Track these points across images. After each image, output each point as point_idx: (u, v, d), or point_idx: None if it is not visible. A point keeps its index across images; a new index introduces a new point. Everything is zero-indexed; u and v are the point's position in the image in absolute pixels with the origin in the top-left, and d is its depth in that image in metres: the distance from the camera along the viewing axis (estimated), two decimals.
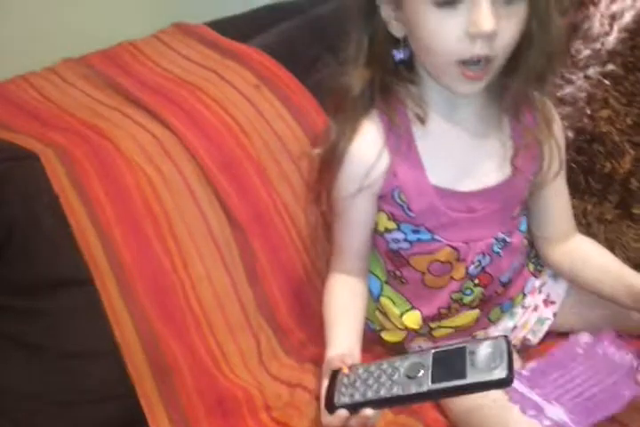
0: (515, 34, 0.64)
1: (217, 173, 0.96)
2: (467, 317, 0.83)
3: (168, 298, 0.87)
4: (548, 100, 0.75)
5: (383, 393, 0.61)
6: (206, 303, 0.89)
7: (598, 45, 0.96)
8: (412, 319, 0.81)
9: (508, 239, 0.76)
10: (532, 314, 0.88)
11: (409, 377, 0.61)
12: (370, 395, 0.62)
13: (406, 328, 0.82)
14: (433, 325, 0.83)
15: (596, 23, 0.97)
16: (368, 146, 0.70)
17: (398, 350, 0.88)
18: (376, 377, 0.63)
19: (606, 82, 0.93)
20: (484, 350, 0.60)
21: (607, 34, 0.95)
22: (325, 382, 0.66)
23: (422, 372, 0.60)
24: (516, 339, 0.87)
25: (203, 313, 0.89)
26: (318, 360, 0.90)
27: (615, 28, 0.95)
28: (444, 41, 0.63)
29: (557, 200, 0.80)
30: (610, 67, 0.94)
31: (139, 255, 0.88)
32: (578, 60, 0.96)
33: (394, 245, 0.77)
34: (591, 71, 0.94)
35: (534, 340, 0.88)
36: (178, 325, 0.86)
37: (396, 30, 0.68)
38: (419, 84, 0.70)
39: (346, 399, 0.63)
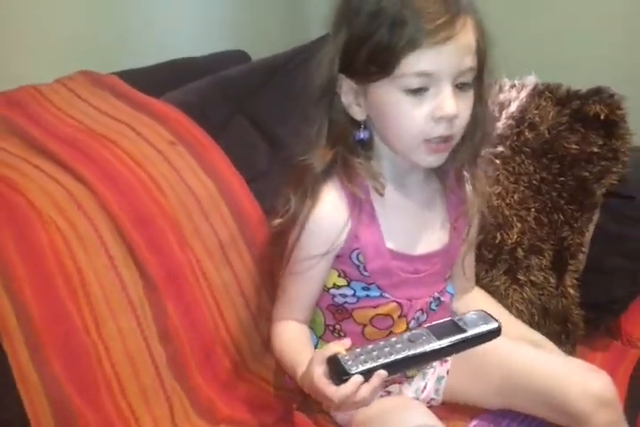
0: (468, 115, 0.73)
1: (131, 229, 0.94)
2: None
3: (79, 358, 0.83)
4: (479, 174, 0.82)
5: (394, 357, 0.64)
6: (119, 365, 0.86)
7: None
8: None
9: (441, 298, 0.84)
10: (433, 373, 0.93)
11: (413, 342, 0.65)
12: (381, 360, 0.64)
13: None
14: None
15: None
16: (334, 210, 0.76)
17: (316, 406, 0.89)
18: (380, 348, 0.65)
19: (497, 161, 1.03)
20: (469, 317, 0.68)
21: (497, 120, 1.05)
22: (319, 369, 0.66)
23: (424, 337, 0.65)
24: (424, 401, 0.92)
25: (115, 376, 0.86)
26: (231, 420, 0.89)
27: (503, 114, 1.06)
28: (412, 123, 0.71)
29: (468, 258, 0.89)
30: (499, 148, 1.04)
31: (49, 315, 0.83)
32: None
33: (339, 300, 0.82)
34: (484, 151, 1.03)
35: (438, 398, 0.93)
36: (90, 389, 0.82)
37: (358, 114, 0.75)
38: (374, 159, 0.77)
39: (358, 368, 0.64)
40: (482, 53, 0.72)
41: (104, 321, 0.87)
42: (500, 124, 1.05)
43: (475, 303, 0.89)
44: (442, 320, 0.70)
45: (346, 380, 0.64)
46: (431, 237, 0.82)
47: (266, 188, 1.04)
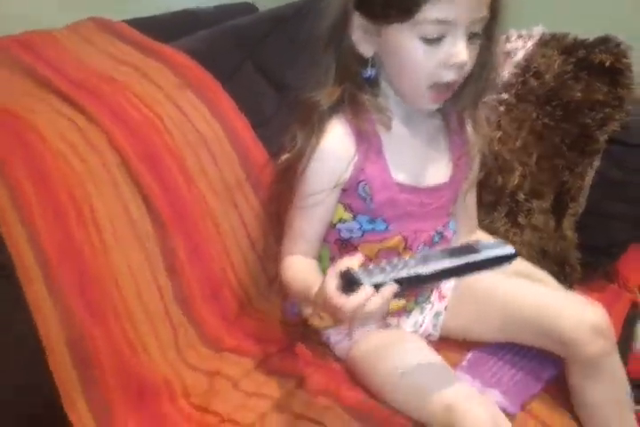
0: (473, 62, 0.75)
1: (140, 166, 0.96)
2: (392, 306, 0.88)
3: (89, 287, 0.85)
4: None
5: (406, 272, 0.64)
6: (126, 293, 0.88)
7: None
8: None
9: (444, 233, 0.85)
10: (431, 309, 0.94)
11: (426, 261, 0.64)
12: (393, 274, 0.64)
13: None
14: None
15: None
16: (340, 143, 0.77)
17: (317, 337, 0.92)
18: (393, 265, 0.65)
19: (501, 108, 1.03)
20: (485, 242, 0.68)
21: (501, 68, 1.05)
22: (333, 282, 0.66)
23: (438, 256, 0.65)
24: (422, 336, 0.94)
25: (123, 303, 0.88)
26: (236, 350, 0.91)
27: (509, 63, 1.06)
28: (424, 69, 0.72)
29: (470, 196, 0.91)
30: (504, 95, 1.04)
31: (61, 243, 0.85)
32: None
33: (345, 234, 0.83)
34: (488, 98, 1.04)
35: (435, 334, 0.95)
36: (99, 314, 0.84)
37: (366, 51, 0.75)
38: (381, 96, 0.78)
39: (370, 280, 0.64)
40: (497, 3, 0.73)
41: (113, 253, 0.89)
42: (506, 73, 1.05)
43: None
44: (459, 245, 0.72)
45: (357, 291, 0.64)
46: (436, 171, 0.83)
47: (272, 133, 1.05)
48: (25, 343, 0.80)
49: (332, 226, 0.83)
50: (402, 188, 0.80)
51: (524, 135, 1.01)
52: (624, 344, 0.89)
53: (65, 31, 1.14)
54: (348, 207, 0.81)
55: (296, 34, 1.20)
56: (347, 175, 0.78)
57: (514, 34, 1.11)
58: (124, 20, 1.18)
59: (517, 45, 1.08)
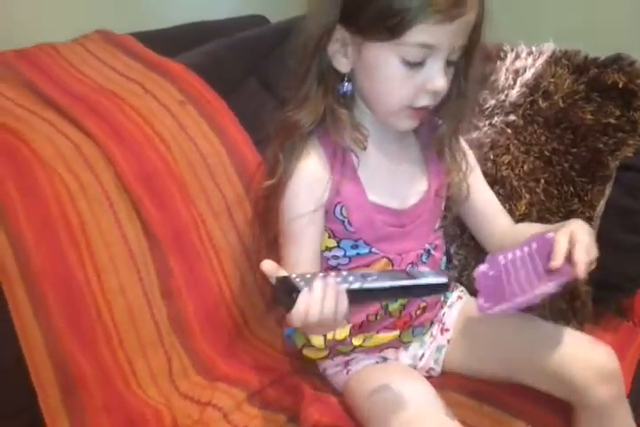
0: (447, 90, 0.74)
1: (137, 185, 0.93)
2: (385, 338, 0.86)
3: (79, 310, 0.82)
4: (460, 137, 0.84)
5: (344, 285, 0.63)
6: (118, 317, 0.85)
7: (503, 97, 1.02)
8: (341, 331, 0.80)
9: (432, 251, 0.82)
10: (432, 342, 0.90)
11: (364, 278, 0.64)
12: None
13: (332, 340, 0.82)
14: (356, 341, 0.84)
15: (502, 77, 1.03)
16: (315, 165, 0.76)
17: (313, 369, 0.88)
18: (332, 276, 0.63)
19: (508, 130, 0.99)
20: (422, 270, 0.72)
21: (511, 87, 1.01)
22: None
23: (375, 276, 0.64)
24: (422, 370, 0.90)
25: (114, 327, 0.85)
26: (229, 379, 0.87)
27: (518, 82, 1.01)
28: (401, 91, 0.72)
29: (485, 200, 0.87)
30: (512, 117, 1.00)
31: (51, 263, 0.82)
32: (484, 109, 1.02)
33: (333, 262, 0.81)
34: (496, 120, 0.99)
35: (437, 368, 0.91)
36: (88, 338, 0.82)
37: (343, 66, 0.73)
38: (356, 112, 0.76)
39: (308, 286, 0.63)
40: (477, 31, 0.72)
41: (105, 274, 0.85)
42: (514, 93, 1.00)
43: (524, 228, 0.85)
44: (398, 269, 0.72)
45: (296, 297, 0.62)
46: (411, 191, 0.81)
47: None
48: (10, 367, 0.77)
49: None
50: (378, 208, 0.79)
51: (531, 160, 0.96)
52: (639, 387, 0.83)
53: (70, 44, 1.12)
54: (331, 233, 0.80)
55: None
56: (324, 197, 0.76)
57: (524, 50, 1.06)
58: (134, 33, 1.16)
59: (527, 63, 1.03)
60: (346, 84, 0.74)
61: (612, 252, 0.87)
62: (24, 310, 0.78)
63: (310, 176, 0.75)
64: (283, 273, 0.63)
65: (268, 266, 0.63)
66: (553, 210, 0.94)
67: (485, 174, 0.94)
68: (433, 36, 0.68)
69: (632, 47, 1.01)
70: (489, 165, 0.97)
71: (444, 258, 0.89)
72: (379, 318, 0.83)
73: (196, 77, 1.09)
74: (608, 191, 0.96)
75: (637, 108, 0.96)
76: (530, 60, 1.03)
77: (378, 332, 0.85)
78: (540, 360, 0.77)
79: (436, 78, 0.70)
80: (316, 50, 0.72)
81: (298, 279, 0.63)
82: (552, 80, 1.00)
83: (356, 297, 0.63)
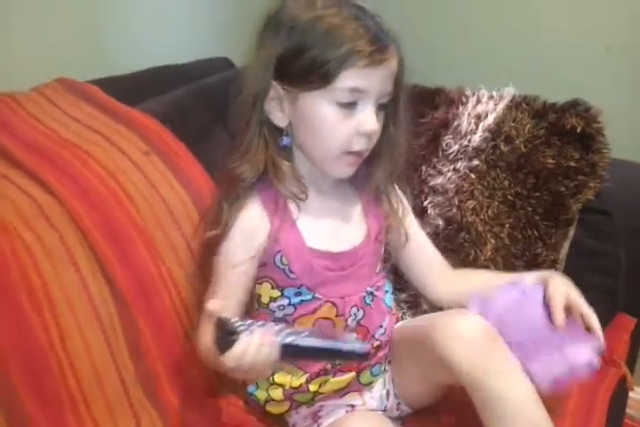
0: (379, 131, 0.78)
1: (102, 242, 0.90)
2: (342, 381, 0.85)
3: (43, 377, 0.80)
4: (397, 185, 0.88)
5: (278, 338, 0.67)
6: (84, 381, 0.82)
7: (466, 142, 1.02)
8: (297, 378, 0.84)
9: (375, 293, 0.84)
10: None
11: (292, 333, 0.68)
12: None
13: (289, 388, 0.84)
14: (312, 387, 0.84)
15: (464, 121, 1.04)
16: (255, 217, 0.79)
17: (279, 421, 0.87)
18: (266, 326, 0.68)
19: (472, 176, 0.99)
20: (347, 336, 0.75)
21: (473, 132, 1.01)
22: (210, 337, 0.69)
23: (305, 334, 0.69)
24: (393, 409, 0.89)
25: (80, 392, 0.82)
26: None
27: (480, 127, 1.02)
28: (337, 135, 0.75)
29: (421, 244, 0.90)
30: (475, 162, 1.00)
31: (12, 330, 0.79)
32: (448, 154, 1.02)
33: (279, 314, 0.82)
34: (459, 165, 1.00)
35: (405, 408, 0.90)
36: (52, 406, 0.79)
37: (280, 120, 0.78)
38: (294, 163, 0.80)
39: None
40: (399, 80, 0.77)
41: (70, 336, 0.83)
42: (477, 137, 1.00)
43: (470, 276, 0.89)
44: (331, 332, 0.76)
45: (234, 340, 0.65)
46: (351, 234, 0.83)
47: None
48: None
49: (265, 307, 0.83)
50: (317, 254, 0.81)
51: (495, 204, 0.97)
52: (617, 419, 0.82)
53: (30, 93, 1.09)
54: (273, 283, 0.82)
55: None
56: (263, 246, 0.79)
57: (485, 94, 1.07)
58: (97, 80, 1.14)
59: (488, 108, 1.04)
60: (285, 137, 0.77)
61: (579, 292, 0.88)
62: None
63: (249, 226, 0.78)
64: (224, 315, 0.67)
65: (213, 306, 0.68)
66: (518, 254, 0.95)
67: (450, 220, 0.94)
68: (361, 81, 0.73)
69: (587, 91, 1.02)
70: (454, 210, 0.97)
71: (389, 294, 0.88)
72: (336, 362, 0.83)
73: (161, 127, 1.08)
74: (571, 233, 0.97)
75: (596, 151, 0.97)
76: (491, 104, 1.04)
77: (334, 375, 0.85)
78: (428, 347, 0.76)
79: (368, 121, 0.74)
80: (253, 106, 0.76)
81: (238, 323, 0.66)
82: (513, 125, 1.01)
83: (286, 351, 0.67)
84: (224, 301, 0.77)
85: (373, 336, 0.85)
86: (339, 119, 0.74)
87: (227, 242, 0.79)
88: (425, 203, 1.03)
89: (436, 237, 0.98)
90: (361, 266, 0.83)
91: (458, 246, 0.93)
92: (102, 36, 1.24)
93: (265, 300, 0.82)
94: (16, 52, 1.12)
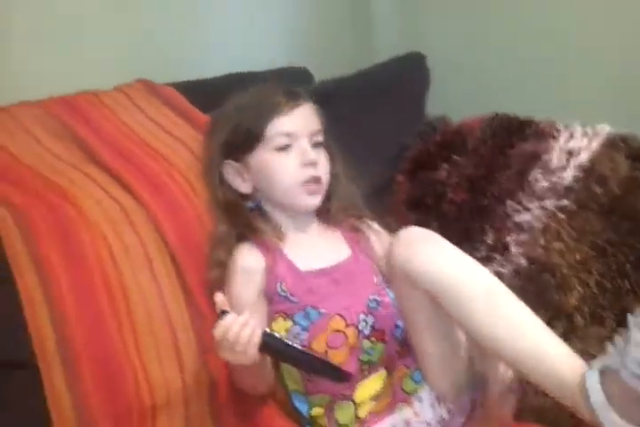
0: (326, 165, 0.91)
1: (182, 251, 0.91)
2: (376, 381, 0.87)
3: (116, 385, 0.80)
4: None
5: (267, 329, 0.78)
6: (157, 394, 0.82)
7: (555, 179, 0.99)
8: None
9: (379, 298, 0.88)
10: None
11: (283, 337, 0.77)
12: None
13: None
14: (357, 399, 0.86)
15: (554, 156, 1.00)
16: (250, 259, 0.88)
17: None
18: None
19: (561, 215, 0.94)
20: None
21: (564, 169, 0.97)
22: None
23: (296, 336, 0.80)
24: (451, 412, 0.87)
25: (152, 405, 0.82)
26: None
27: (571, 164, 0.97)
28: (287, 172, 0.88)
29: None
30: (565, 202, 0.96)
31: (90, 334, 0.81)
32: (536, 190, 0.98)
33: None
34: (548, 203, 0.96)
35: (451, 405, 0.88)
36: (122, 416, 0.79)
37: (246, 188, 0.91)
38: (268, 215, 0.92)
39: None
40: (322, 119, 0.92)
41: (145, 347, 0.84)
42: (568, 175, 0.96)
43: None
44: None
45: (225, 314, 0.75)
46: (335, 251, 0.92)
47: None
48: None
49: None
50: (310, 274, 0.88)
51: (585, 249, 0.91)
52: None
53: (112, 92, 1.10)
54: (284, 314, 0.87)
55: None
56: (263, 283, 0.87)
57: (578, 130, 1.02)
58: (175, 83, 1.14)
59: (581, 144, 0.99)
60: (250, 202, 0.91)
61: None
62: (56, 382, 0.77)
63: (247, 267, 0.88)
64: (227, 308, 0.77)
65: (219, 298, 0.78)
66: (606, 306, 0.90)
67: (534, 260, 0.90)
68: (287, 125, 0.88)
69: None
70: (539, 250, 0.93)
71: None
72: (364, 373, 0.86)
73: None
74: None
75: None
76: (585, 141, 1.00)
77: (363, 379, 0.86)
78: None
79: (305, 152, 0.88)
80: (216, 185, 0.91)
81: (276, 334, 0.77)
82: (608, 164, 0.95)
83: (267, 341, 0.75)
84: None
85: (394, 336, 0.87)
86: (282, 160, 0.88)
87: (229, 285, 0.87)
88: (507, 239, 0.99)
89: (515, 275, 0.96)
90: (355, 278, 0.90)
91: (540, 289, 0.89)
92: (179, 37, 1.25)
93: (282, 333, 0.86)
94: (96, 52, 1.14)
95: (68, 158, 0.96)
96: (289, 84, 0.95)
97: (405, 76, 1.27)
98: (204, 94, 1.14)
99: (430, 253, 0.80)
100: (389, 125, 1.19)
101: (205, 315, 0.89)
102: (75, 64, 1.12)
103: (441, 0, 1.44)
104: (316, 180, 0.89)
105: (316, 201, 0.90)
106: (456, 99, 1.31)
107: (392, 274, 0.85)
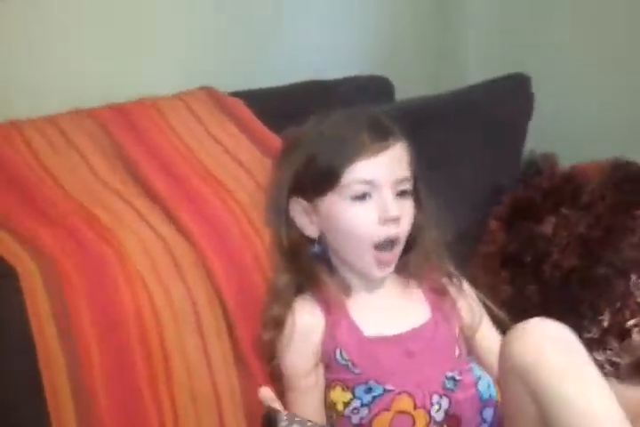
0: (410, 219, 0.79)
1: (235, 303, 0.82)
2: None
3: None
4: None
5: None
6: None
7: None
8: None
9: (457, 377, 0.79)
10: None
11: None
12: None
13: None
14: None
15: None
16: (308, 319, 0.79)
17: None
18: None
19: None
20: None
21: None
22: None
23: None
24: None
25: None
26: None
27: None
28: (361, 227, 0.77)
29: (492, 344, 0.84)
30: None
31: (120, 405, 0.72)
32: None
33: (355, 419, 0.79)
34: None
35: None
36: None
37: (312, 232, 0.80)
38: (334, 266, 0.82)
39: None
40: (413, 163, 0.80)
41: (186, 421, 0.75)
42: None
43: None
44: None
45: None
46: (410, 315, 0.82)
47: None
48: None
49: (341, 415, 0.79)
50: (377, 341, 0.79)
51: None
52: None
53: (174, 101, 1.01)
54: (343, 385, 0.78)
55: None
56: (320, 347, 0.78)
57: None
58: (245, 91, 1.06)
59: None
60: (316, 245, 0.80)
61: None
62: None
63: (305, 330, 0.78)
64: (277, 406, 0.69)
65: (264, 393, 0.71)
66: None
67: None
68: (367, 171, 0.76)
69: None
70: None
71: (484, 381, 0.81)
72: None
73: None
74: None
75: None
76: None
77: None
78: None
79: (387, 206, 0.76)
80: (278, 225, 0.79)
81: (285, 417, 0.66)
82: None
83: None
84: (302, 408, 0.77)
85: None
86: (357, 212, 0.77)
87: (283, 351, 0.78)
88: (629, 323, 0.87)
89: (635, 369, 0.84)
90: (433, 350, 0.80)
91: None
92: (250, 42, 1.17)
93: (340, 407, 0.78)
94: (162, 55, 1.07)
95: (113, 183, 0.86)
96: (378, 112, 0.82)
97: (505, 101, 1.12)
98: (278, 105, 1.04)
99: (565, 366, 0.67)
100: (482, 159, 1.06)
101: (255, 375, 0.80)
102: (136, 65, 1.05)
103: (551, 10, 1.23)
104: (394, 241, 0.77)
105: (386, 273, 0.79)
106: (563, 132, 1.15)
107: (505, 368, 0.72)
